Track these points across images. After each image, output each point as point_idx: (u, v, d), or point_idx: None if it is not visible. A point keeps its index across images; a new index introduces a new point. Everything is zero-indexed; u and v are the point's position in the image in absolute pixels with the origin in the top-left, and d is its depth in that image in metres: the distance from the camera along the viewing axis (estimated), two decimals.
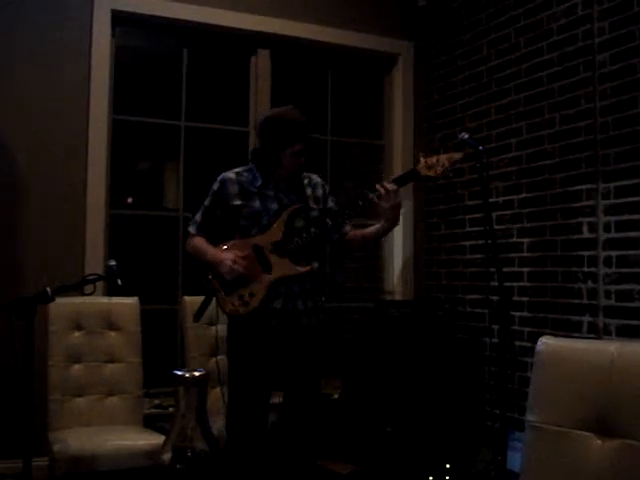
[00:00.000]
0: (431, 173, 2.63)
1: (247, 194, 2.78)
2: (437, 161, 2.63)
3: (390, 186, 2.66)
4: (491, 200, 4.00)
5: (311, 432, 2.82)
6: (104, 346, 3.41)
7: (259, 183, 2.79)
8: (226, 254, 2.72)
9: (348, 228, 2.92)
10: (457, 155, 2.63)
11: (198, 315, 2.83)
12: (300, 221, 2.79)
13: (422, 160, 2.66)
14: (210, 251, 2.79)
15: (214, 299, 2.78)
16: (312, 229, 2.72)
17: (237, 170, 2.85)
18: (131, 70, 4.25)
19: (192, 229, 2.88)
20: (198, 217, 2.88)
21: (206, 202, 2.86)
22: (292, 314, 2.74)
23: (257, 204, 2.77)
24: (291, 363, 2.77)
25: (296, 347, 2.76)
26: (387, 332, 4.11)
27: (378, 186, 2.68)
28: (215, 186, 2.83)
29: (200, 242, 2.84)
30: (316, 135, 4.57)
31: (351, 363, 4.70)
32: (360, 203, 2.71)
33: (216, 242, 2.83)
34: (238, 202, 2.77)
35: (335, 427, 3.96)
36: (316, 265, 2.80)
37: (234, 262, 2.68)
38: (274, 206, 2.77)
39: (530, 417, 1.67)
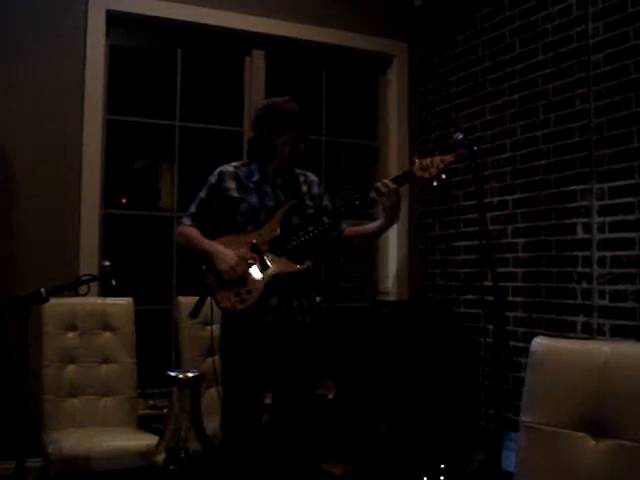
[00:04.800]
0: (425, 175, 2.65)
1: (244, 189, 2.77)
2: (431, 163, 2.65)
3: (391, 184, 2.68)
4: (485, 200, 4.00)
5: (302, 431, 2.80)
6: (98, 347, 3.40)
7: (256, 178, 2.79)
8: (229, 251, 2.68)
9: (344, 227, 2.92)
10: (449, 157, 2.65)
11: (195, 312, 2.80)
12: (296, 218, 2.78)
13: (417, 162, 2.68)
14: (207, 242, 2.75)
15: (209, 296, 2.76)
16: (310, 227, 2.72)
17: (235, 164, 2.84)
18: (125, 70, 4.24)
19: (186, 220, 2.83)
20: (193, 208, 2.83)
21: (202, 194, 2.82)
22: (287, 312, 2.73)
23: (254, 200, 2.76)
24: (284, 360, 2.76)
25: (290, 345, 2.75)
26: (382, 332, 4.11)
27: (379, 184, 2.68)
28: (212, 179, 2.81)
29: (194, 232, 2.79)
30: (311, 136, 4.57)
31: (345, 363, 4.69)
32: (357, 202, 2.71)
33: (211, 237, 2.79)
34: (236, 195, 2.76)
35: (329, 427, 3.96)
36: (310, 264, 2.80)
37: (236, 264, 2.66)
38: (271, 202, 2.76)
39: (524, 417, 1.68)
